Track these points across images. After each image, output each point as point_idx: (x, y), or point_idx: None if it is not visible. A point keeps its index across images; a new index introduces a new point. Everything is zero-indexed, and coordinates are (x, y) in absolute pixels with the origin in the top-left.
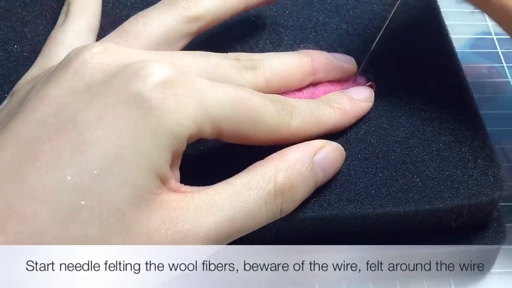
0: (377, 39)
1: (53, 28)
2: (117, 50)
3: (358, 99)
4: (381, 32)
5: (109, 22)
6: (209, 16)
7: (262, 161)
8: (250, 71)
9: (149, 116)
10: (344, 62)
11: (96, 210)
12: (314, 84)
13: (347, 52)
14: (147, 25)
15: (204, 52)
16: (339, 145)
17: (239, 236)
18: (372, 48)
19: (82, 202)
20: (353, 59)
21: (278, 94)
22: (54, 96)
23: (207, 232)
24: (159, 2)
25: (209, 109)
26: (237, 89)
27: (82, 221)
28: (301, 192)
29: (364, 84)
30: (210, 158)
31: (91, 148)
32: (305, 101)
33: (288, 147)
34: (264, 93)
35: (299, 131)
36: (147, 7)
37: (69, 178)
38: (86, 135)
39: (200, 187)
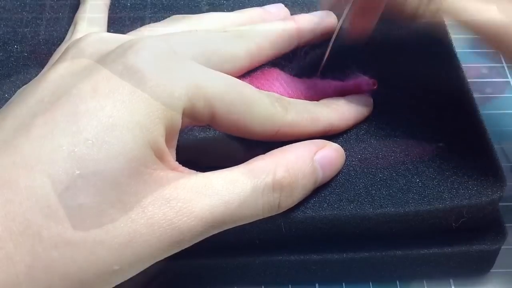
0: (328, 49)
1: (53, 28)
2: (113, 37)
3: (357, 104)
4: (331, 43)
5: (109, 23)
6: None
7: (263, 155)
8: (240, 39)
9: (142, 87)
10: (326, 17)
11: (90, 180)
12: (314, 82)
13: (346, 50)
14: (149, 32)
15: (192, 29)
16: (340, 147)
17: (234, 225)
18: (326, 56)
19: (77, 172)
20: (332, 13)
21: (269, 60)
22: (54, 79)
23: (201, 213)
24: (164, 20)
25: (201, 85)
26: (231, 77)
27: (77, 190)
28: (300, 189)
29: (366, 82)
30: (212, 156)
31: (86, 118)
32: (301, 100)
33: (290, 145)
34: (256, 59)
35: (295, 124)
36: (147, 8)
37: (63, 147)
38: (81, 106)
39: (198, 172)
